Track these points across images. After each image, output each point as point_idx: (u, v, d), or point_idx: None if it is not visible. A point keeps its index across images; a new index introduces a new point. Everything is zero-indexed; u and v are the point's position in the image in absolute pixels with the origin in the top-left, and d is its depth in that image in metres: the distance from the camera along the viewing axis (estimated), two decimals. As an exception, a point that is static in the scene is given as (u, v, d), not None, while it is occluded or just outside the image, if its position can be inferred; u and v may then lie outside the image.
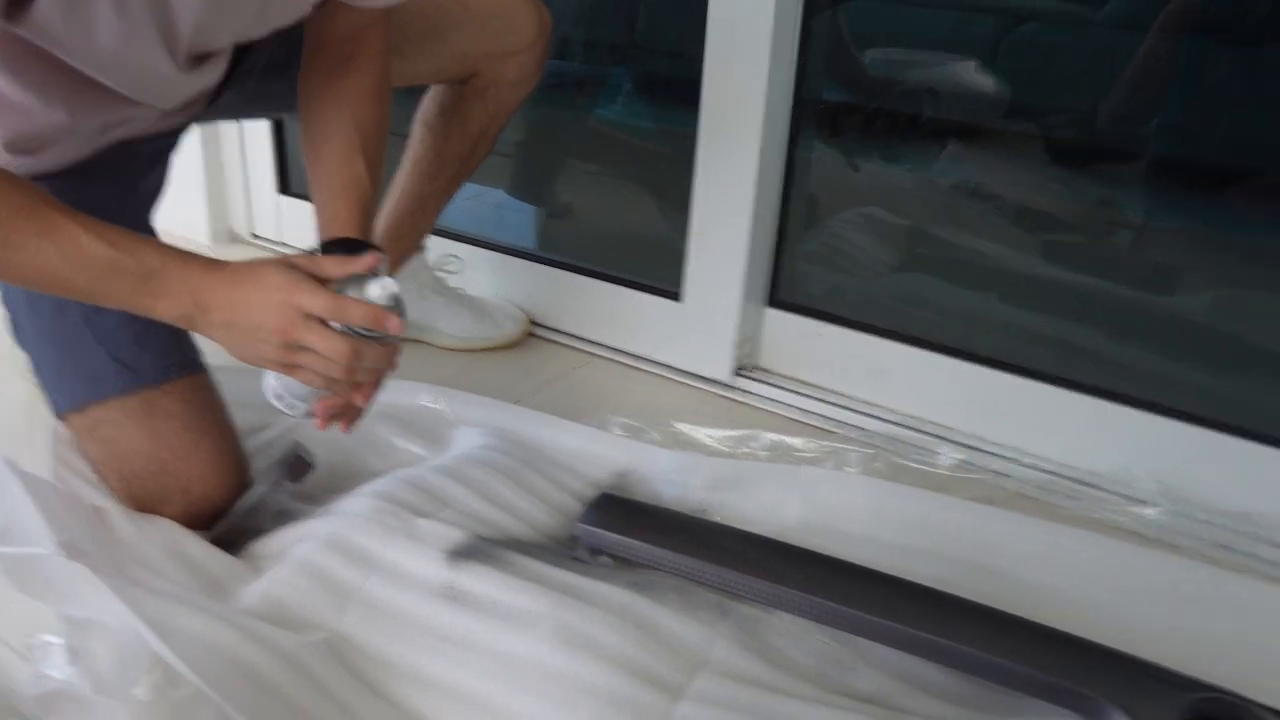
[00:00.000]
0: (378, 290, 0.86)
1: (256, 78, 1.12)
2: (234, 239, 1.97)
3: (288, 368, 0.87)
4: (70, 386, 1.04)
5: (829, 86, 1.42)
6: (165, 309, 0.85)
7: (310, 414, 0.96)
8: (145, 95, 0.98)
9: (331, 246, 0.97)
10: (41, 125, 0.98)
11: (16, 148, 1.00)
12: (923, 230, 1.47)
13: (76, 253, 0.82)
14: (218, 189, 1.94)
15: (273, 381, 0.94)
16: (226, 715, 0.76)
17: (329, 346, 0.85)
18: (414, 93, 1.37)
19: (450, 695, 0.85)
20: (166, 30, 0.88)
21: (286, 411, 0.95)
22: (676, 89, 1.48)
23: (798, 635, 0.94)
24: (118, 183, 1.12)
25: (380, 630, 0.89)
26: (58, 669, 0.79)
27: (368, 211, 1.01)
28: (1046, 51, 1.41)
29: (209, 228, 1.94)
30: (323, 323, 0.84)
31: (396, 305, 0.88)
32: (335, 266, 0.88)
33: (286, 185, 1.89)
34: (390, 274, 0.90)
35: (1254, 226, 1.30)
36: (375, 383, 0.95)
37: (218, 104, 1.11)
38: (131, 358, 1.02)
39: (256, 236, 1.96)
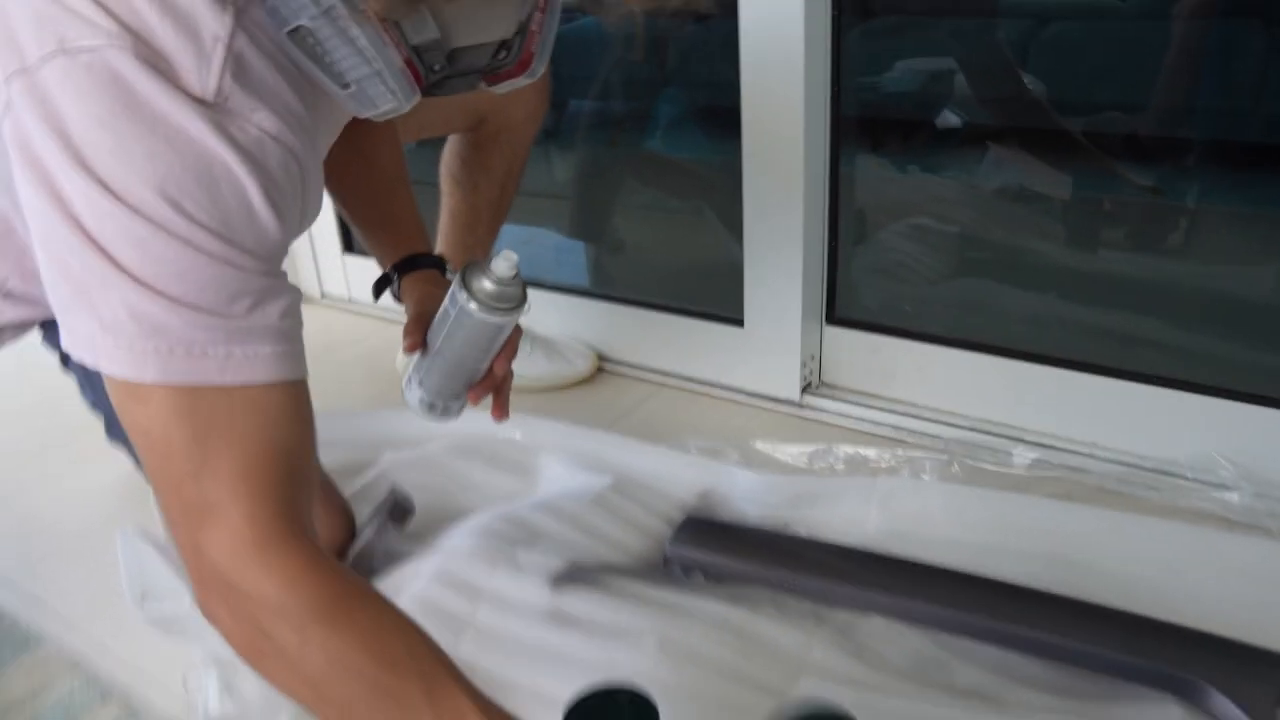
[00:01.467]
0: (504, 265, 0.84)
1: None
2: (305, 300, 2.03)
3: None
4: None
5: (865, 101, 1.45)
6: None
7: (463, 408, 0.96)
8: None
9: (403, 266, 1.02)
10: None
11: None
12: (973, 235, 1.49)
13: None
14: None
15: (418, 393, 0.94)
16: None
17: None
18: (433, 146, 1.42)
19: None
20: None
21: (441, 418, 0.96)
22: (716, 117, 1.52)
23: (893, 638, 0.97)
24: None
25: (495, 654, 0.94)
26: (214, 701, 0.85)
27: (424, 231, 1.06)
28: (1076, 48, 1.43)
29: (281, 290, 2.01)
30: None
31: (518, 273, 0.86)
32: None
33: (350, 245, 1.96)
34: None
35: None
36: (513, 350, 0.96)
37: None
38: None
39: (325, 295, 2.03)
